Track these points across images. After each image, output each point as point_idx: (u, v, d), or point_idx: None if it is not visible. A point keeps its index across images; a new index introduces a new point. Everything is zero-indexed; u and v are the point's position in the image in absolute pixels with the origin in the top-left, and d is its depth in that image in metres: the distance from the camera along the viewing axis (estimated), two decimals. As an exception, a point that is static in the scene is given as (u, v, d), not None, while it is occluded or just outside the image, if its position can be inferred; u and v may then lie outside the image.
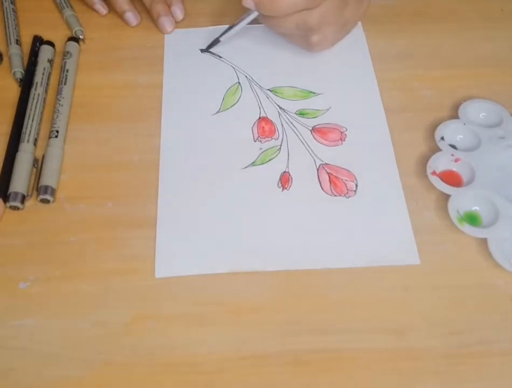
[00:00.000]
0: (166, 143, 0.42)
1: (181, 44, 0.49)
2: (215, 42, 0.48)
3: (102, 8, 0.50)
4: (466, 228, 0.37)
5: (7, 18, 0.49)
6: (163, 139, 0.43)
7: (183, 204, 0.40)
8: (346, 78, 0.46)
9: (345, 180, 0.41)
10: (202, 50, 0.48)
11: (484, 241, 0.37)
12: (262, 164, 0.42)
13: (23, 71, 0.46)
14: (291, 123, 0.44)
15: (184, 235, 0.38)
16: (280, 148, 0.43)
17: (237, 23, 0.46)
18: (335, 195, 0.40)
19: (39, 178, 0.40)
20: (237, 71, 0.47)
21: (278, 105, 0.45)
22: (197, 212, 0.39)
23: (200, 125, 0.44)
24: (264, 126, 0.44)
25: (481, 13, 0.51)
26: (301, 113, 0.44)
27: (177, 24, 0.50)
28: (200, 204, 0.40)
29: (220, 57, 0.48)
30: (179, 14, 0.50)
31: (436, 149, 0.41)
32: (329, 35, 0.44)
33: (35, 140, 0.42)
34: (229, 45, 0.48)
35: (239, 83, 0.46)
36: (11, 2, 0.51)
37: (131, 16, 0.49)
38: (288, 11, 0.40)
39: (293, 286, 0.36)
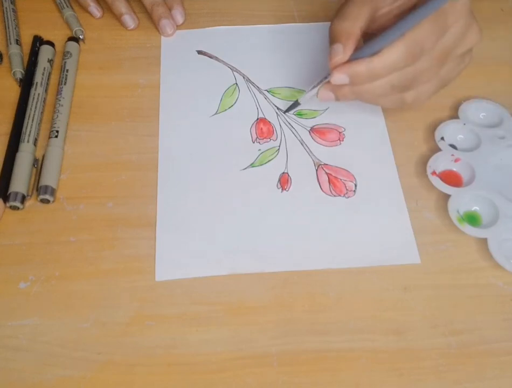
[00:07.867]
0: (164, 146, 0.42)
1: (177, 45, 0.49)
2: (295, 104, 0.43)
3: (96, 11, 0.50)
4: (467, 228, 0.37)
5: (7, 18, 0.49)
6: (161, 142, 0.43)
7: (182, 206, 0.39)
8: None
9: (344, 180, 0.41)
10: (282, 111, 0.45)
11: (484, 241, 0.37)
12: (261, 165, 0.42)
13: (23, 71, 0.46)
14: (289, 123, 0.44)
15: (183, 238, 0.38)
16: (279, 149, 0.42)
17: (316, 85, 0.40)
18: (334, 196, 0.40)
19: (39, 178, 0.40)
20: (234, 72, 0.47)
21: (276, 106, 0.45)
22: (196, 213, 0.39)
23: (198, 126, 0.44)
24: (262, 127, 0.44)
25: (481, 13, 0.51)
26: (299, 114, 0.44)
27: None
28: (199, 206, 0.39)
29: (217, 58, 0.48)
30: (179, 18, 0.49)
31: (436, 149, 0.41)
32: (424, 93, 0.39)
33: (35, 140, 0.42)
34: (226, 46, 0.48)
35: (236, 84, 0.46)
36: (11, 2, 0.51)
37: (129, 20, 0.49)
38: (386, 73, 0.36)
39: (293, 286, 0.36)
